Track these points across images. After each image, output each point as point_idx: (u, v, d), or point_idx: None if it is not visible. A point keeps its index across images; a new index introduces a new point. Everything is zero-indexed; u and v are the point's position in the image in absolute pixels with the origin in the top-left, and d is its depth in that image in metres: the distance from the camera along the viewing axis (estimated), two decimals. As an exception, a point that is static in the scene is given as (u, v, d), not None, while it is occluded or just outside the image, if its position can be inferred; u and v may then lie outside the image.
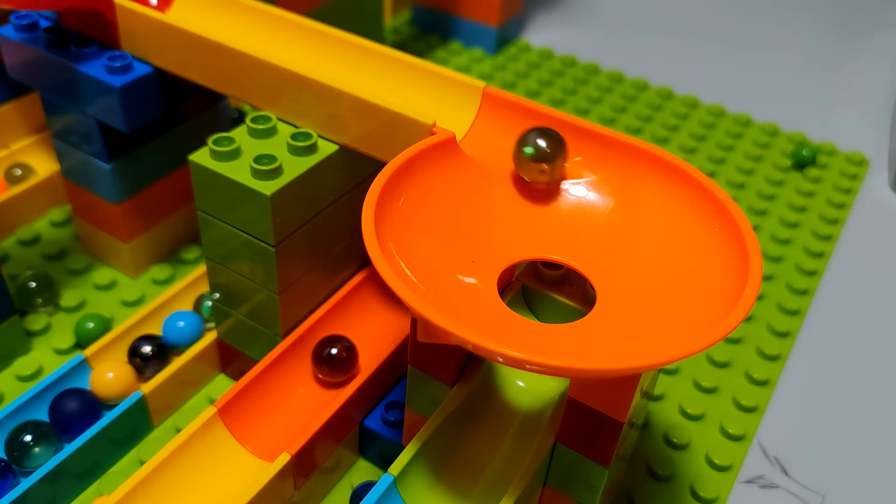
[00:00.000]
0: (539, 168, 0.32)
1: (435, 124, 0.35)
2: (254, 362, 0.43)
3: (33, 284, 0.48)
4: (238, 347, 0.44)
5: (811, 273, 0.55)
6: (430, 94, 0.38)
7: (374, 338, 0.43)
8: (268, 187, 0.36)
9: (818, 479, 0.43)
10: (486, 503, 0.34)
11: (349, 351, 0.40)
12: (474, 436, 0.35)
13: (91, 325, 0.46)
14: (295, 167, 0.38)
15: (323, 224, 0.41)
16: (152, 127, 0.47)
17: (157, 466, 0.36)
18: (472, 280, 0.30)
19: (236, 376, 0.46)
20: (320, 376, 0.41)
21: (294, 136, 0.38)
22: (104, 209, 0.49)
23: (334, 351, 0.40)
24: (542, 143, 0.32)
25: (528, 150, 0.32)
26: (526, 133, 0.33)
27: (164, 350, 0.44)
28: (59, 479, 0.39)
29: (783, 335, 0.51)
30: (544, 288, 0.35)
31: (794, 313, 0.52)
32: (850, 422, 0.46)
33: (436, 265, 0.30)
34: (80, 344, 0.46)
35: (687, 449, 0.43)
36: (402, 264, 0.29)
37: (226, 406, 0.38)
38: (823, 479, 0.43)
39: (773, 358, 0.49)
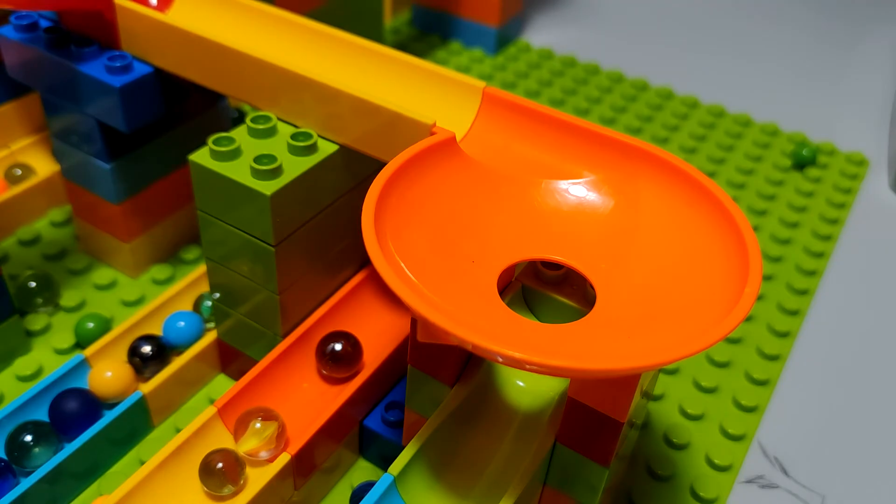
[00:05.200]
0: None
1: (435, 124, 0.35)
2: (254, 362, 0.43)
3: (33, 284, 0.48)
4: (238, 347, 0.44)
5: (811, 273, 0.55)
6: (430, 94, 0.38)
7: (374, 338, 0.43)
8: (268, 187, 0.36)
9: (818, 479, 0.43)
10: (486, 503, 0.34)
11: (354, 346, 0.40)
12: (474, 436, 0.35)
13: (91, 325, 0.46)
14: (295, 167, 0.38)
15: (323, 224, 0.41)
16: (152, 127, 0.47)
17: (157, 466, 0.36)
18: (472, 280, 0.30)
19: (236, 376, 0.46)
20: (324, 372, 0.41)
21: (294, 136, 0.38)
22: (104, 209, 0.49)
23: (338, 347, 0.40)
24: None
25: None
26: None
27: (163, 350, 0.44)
28: (59, 479, 0.39)
29: (783, 335, 0.51)
30: (544, 288, 0.35)
31: (794, 313, 0.52)
32: (850, 422, 0.46)
33: (436, 265, 0.30)
34: (80, 344, 0.46)
35: (687, 449, 0.43)
36: (402, 264, 0.29)
37: (226, 406, 0.38)
38: (823, 479, 0.43)
39: (773, 358, 0.49)
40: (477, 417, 0.36)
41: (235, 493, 0.35)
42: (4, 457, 0.39)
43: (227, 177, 0.37)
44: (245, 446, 0.36)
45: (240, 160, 0.38)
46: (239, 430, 0.37)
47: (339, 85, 0.37)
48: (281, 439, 0.37)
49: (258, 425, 0.36)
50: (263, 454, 0.36)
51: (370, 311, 0.44)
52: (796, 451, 0.44)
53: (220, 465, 0.35)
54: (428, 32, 0.81)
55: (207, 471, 0.35)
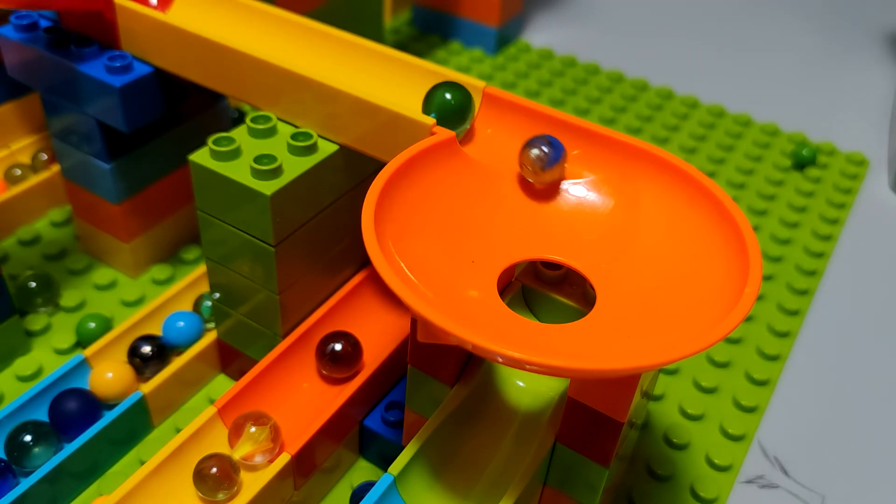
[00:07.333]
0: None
1: (435, 124, 0.35)
2: (254, 362, 0.43)
3: (33, 284, 0.48)
4: (238, 347, 0.44)
5: (811, 273, 0.55)
6: (430, 94, 0.38)
7: (374, 338, 0.43)
8: (268, 187, 0.36)
9: (818, 479, 0.43)
10: (486, 503, 0.34)
11: (354, 346, 0.40)
12: (474, 436, 0.35)
13: (93, 324, 0.46)
14: (295, 167, 0.38)
15: (323, 224, 0.41)
16: (152, 127, 0.47)
17: (157, 466, 0.36)
18: (472, 280, 0.30)
19: (236, 376, 0.46)
20: (324, 372, 0.41)
21: (294, 136, 0.38)
22: (104, 209, 0.49)
23: (338, 347, 0.40)
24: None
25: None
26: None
27: (163, 350, 0.44)
28: (59, 479, 0.39)
29: (783, 335, 0.51)
30: (544, 288, 0.35)
31: (794, 313, 0.52)
32: (850, 422, 0.46)
33: (435, 265, 0.30)
34: (82, 343, 0.46)
35: (687, 449, 0.43)
36: (402, 264, 0.29)
37: (226, 406, 0.38)
38: (823, 479, 0.43)
39: (773, 358, 0.49)
40: (477, 417, 0.36)
41: (231, 498, 0.35)
42: (4, 457, 0.39)
43: (227, 177, 0.37)
44: (241, 451, 0.36)
45: (240, 160, 0.38)
46: (233, 436, 0.37)
47: (339, 85, 0.37)
48: (276, 441, 0.37)
49: (252, 430, 0.36)
50: (259, 458, 0.36)
51: (370, 311, 0.44)
52: (796, 451, 0.44)
53: (213, 469, 0.35)
54: (428, 32, 0.81)
55: (200, 477, 0.35)
